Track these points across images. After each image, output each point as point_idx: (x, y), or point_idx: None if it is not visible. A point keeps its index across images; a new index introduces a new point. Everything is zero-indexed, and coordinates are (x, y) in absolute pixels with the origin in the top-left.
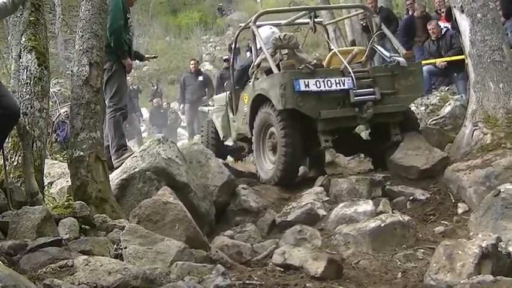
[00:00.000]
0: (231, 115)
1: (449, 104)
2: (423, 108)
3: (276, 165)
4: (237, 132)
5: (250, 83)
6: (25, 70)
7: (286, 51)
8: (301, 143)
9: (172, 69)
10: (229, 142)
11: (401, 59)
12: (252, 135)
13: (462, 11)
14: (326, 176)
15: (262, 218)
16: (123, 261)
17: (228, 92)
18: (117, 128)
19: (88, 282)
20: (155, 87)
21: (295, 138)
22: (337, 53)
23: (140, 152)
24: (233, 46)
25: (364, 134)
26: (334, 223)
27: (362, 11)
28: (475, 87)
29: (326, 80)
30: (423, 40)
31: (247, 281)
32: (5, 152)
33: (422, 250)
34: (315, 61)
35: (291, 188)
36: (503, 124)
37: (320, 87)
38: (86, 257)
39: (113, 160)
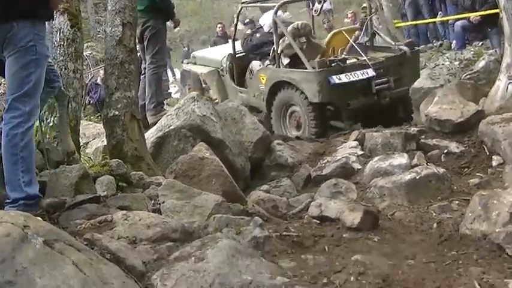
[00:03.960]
0: (231, 83)
1: (483, 59)
2: (457, 63)
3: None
4: (245, 103)
5: (270, 66)
6: (58, 32)
7: (303, 39)
8: (326, 125)
9: (203, 30)
10: None
11: (406, 49)
12: (269, 111)
13: None
14: (360, 130)
15: (297, 173)
16: (161, 215)
17: (228, 61)
18: (158, 84)
19: (127, 236)
20: (186, 48)
21: (323, 124)
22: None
23: (175, 110)
24: (235, 22)
25: None
26: (369, 176)
27: None
28: (509, 41)
29: (353, 73)
30: None
31: (284, 233)
32: (40, 114)
33: (457, 202)
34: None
35: (325, 142)
36: None
37: (349, 79)
38: (124, 211)
39: (149, 116)
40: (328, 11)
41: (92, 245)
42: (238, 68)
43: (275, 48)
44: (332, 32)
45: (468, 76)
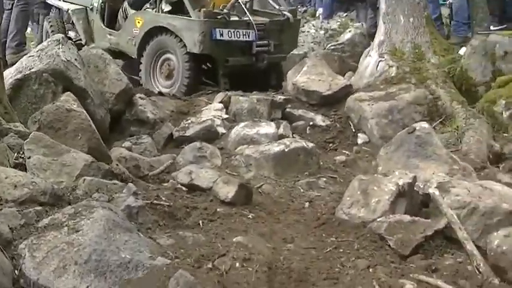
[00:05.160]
0: (100, 24)
1: (349, 31)
2: (322, 32)
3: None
4: (115, 47)
5: (150, 10)
6: None
7: None
8: (199, 79)
9: None
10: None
11: (290, 15)
12: (139, 56)
13: None
14: (226, 93)
15: (158, 131)
16: (24, 171)
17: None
18: (25, 22)
19: None
20: None
21: (196, 78)
22: None
23: (37, 51)
24: None
25: None
26: (234, 143)
27: None
28: (384, 18)
29: (236, 31)
30: None
31: (155, 201)
32: None
33: (324, 179)
34: None
35: (188, 101)
36: (409, 58)
37: (231, 37)
38: None
39: (8, 54)
40: None
41: None
42: (111, 9)
43: None
44: None
45: (333, 47)
